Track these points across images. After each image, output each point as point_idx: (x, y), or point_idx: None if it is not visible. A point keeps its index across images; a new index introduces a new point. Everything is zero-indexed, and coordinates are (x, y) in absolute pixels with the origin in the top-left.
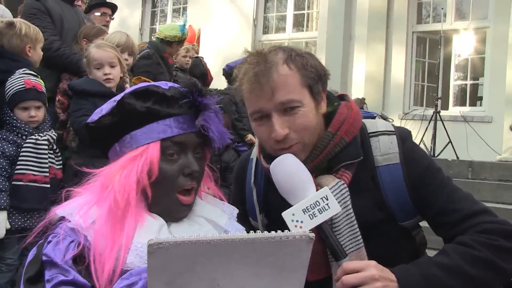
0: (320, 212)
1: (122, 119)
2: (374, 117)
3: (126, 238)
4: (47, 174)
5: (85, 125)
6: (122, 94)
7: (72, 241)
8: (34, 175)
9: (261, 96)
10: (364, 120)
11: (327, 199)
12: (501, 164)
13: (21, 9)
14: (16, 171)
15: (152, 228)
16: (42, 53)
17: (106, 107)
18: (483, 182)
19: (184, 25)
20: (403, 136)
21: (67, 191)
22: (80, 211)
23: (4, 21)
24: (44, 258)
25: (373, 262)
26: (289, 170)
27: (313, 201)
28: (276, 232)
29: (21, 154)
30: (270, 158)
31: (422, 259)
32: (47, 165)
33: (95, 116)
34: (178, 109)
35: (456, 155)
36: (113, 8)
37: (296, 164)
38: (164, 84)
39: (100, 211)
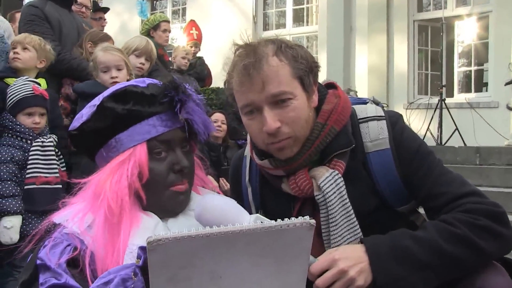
0: None
1: (105, 124)
2: (366, 103)
3: (123, 242)
4: (58, 175)
5: (68, 132)
6: (101, 98)
7: (68, 245)
8: (46, 177)
9: (252, 89)
10: (354, 106)
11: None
12: (509, 149)
13: (12, 16)
14: (27, 175)
15: (147, 228)
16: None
17: (86, 113)
18: (491, 167)
19: (141, 10)
20: (393, 120)
21: (63, 201)
22: (75, 218)
23: None
24: (38, 261)
25: (336, 254)
26: (217, 214)
27: None
28: (275, 221)
29: (30, 158)
30: (263, 153)
31: (399, 230)
32: (56, 166)
33: (76, 122)
34: (160, 107)
35: (464, 141)
36: (105, 11)
37: (218, 205)
38: (142, 82)
39: (95, 218)
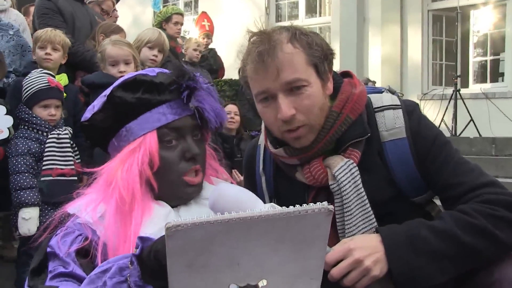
0: None
1: (115, 113)
2: (382, 92)
3: (134, 231)
4: (73, 167)
5: (80, 123)
6: (111, 88)
7: (80, 235)
8: (62, 169)
9: (266, 76)
10: (370, 95)
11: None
12: None
13: (26, 10)
14: (43, 167)
15: (158, 216)
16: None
17: (97, 103)
18: (507, 158)
19: (155, 2)
20: (409, 109)
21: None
22: (88, 208)
23: None
24: (48, 249)
25: (351, 244)
26: (231, 203)
27: None
28: (294, 206)
29: (46, 150)
30: (277, 142)
31: (415, 220)
32: (71, 158)
33: (88, 114)
34: (169, 95)
35: (479, 132)
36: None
37: (233, 193)
38: (151, 71)
39: (107, 207)
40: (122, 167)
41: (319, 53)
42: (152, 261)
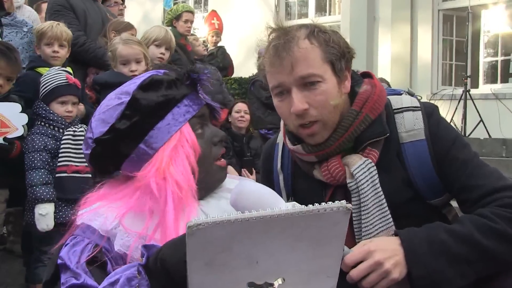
0: None
1: (141, 117)
2: (400, 94)
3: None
4: (87, 164)
5: (95, 141)
6: (125, 94)
7: (89, 243)
8: (77, 165)
9: (281, 70)
10: (390, 97)
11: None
12: None
13: (38, 7)
14: (59, 164)
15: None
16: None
17: (111, 115)
18: None
19: (166, 1)
20: (429, 111)
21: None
22: (109, 217)
23: None
24: (59, 261)
25: (371, 246)
26: (253, 200)
27: None
28: (313, 205)
29: (61, 146)
30: (295, 139)
31: (435, 223)
32: None
33: (102, 128)
34: (186, 89)
35: (488, 133)
36: None
37: (254, 191)
38: (156, 73)
39: (160, 208)
40: (174, 162)
41: (336, 51)
42: (159, 269)
